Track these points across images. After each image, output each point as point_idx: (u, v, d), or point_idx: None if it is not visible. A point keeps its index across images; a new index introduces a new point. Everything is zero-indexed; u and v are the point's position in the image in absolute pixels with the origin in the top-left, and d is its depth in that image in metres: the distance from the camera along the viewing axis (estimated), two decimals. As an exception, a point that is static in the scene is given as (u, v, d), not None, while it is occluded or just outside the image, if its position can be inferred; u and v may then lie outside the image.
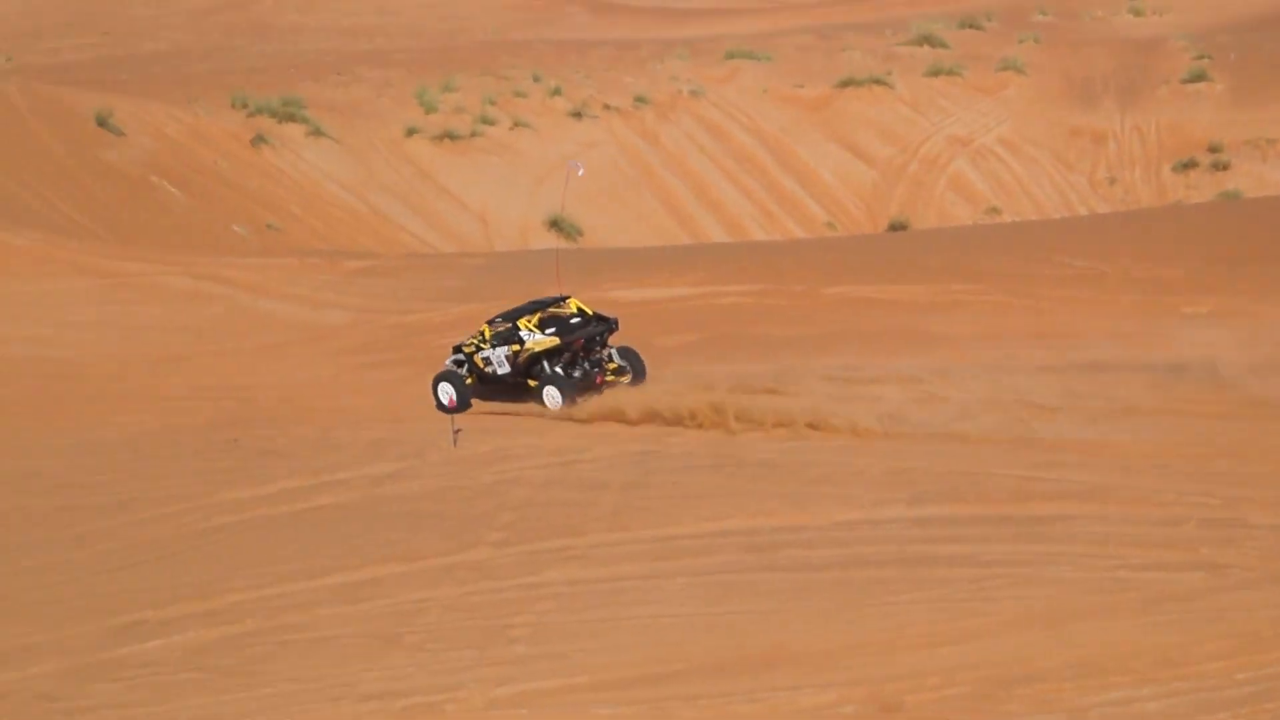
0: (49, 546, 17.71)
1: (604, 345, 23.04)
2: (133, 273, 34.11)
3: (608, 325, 23.02)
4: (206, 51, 73.15)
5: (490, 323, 23.07)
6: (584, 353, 22.73)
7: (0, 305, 31.80)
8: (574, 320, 22.81)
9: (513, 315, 23.00)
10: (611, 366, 22.90)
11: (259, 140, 52.84)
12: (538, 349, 22.38)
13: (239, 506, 18.61)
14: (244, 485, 19.46)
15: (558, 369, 22.43)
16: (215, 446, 21.90)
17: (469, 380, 22.85)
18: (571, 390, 22.17)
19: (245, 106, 54.73)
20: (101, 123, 50.85)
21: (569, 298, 23.29)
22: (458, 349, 23.13)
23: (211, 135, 52.83)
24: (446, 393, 22.77)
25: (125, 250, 37.42)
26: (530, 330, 22.55)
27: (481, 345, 22.78)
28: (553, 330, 22.52)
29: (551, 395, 22.25)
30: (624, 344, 23.26)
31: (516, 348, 22.51)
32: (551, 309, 22.98)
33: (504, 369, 22.66)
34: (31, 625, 15.09)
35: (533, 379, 22.52)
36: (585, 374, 22.57)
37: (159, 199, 47.76)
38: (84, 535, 17.97)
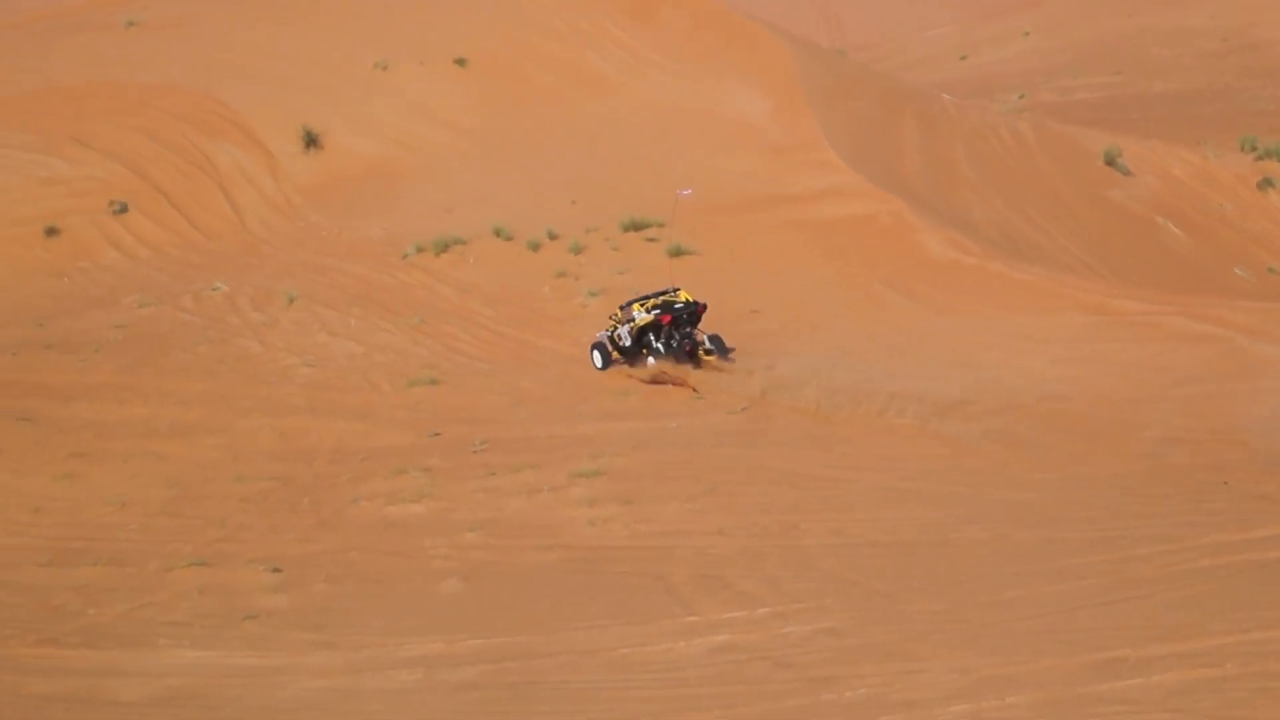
0: (1033, 578, 18.03)
1: (693, 325, 32.07)
2: (1131, 311, 34.20)
3: (695, 307, 32.16)
4: (1217, 92, 72.33)
5: (622, 306, 33.06)
6: (675, 328, 31.87)
7: (1001, 338, 33.00)
8: (676, 305, 32.21)
9: (630, 302, 32.89)
10: (704, 349, 31.59)
11: (1265, 184, 51.67)
12: (641, 324, 32.01)
13: (1225, 550, 18.10)
14: (1232, 529, 18.95)
15: (658, 344, 31.77)
16: (1204, 487, 21.48)
17: (613, 351, 32.65)
18: (661, 357, 31.65)
19: (1254, 149, 53.86)
20: (1109, 161, 51.63)
21: (680, 289, 33.01)
22: (609, 320, 33.13)
23: (1218, 177, 52.20)
24: (596, 358, 32.99)
25: (1125, 289, 37.67)
26: (640, 311, 32.24)
27: (617, 325, 32.69)
28: (656, 310, 32.00)
29: (649, 360, 31.85)
30: (714, 331, 32.07)
31: (632, 324, 32.14)
32: (665, 297, 32.59)
33: (627, 341, 32.42)
34: (1010, 655, 15.42)
35: (644, 348, 32.07)
36: (678, 343, 31.63)
37: (1162, 239, 47.73)
38: (1068, 569, 18.16)
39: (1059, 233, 46.29)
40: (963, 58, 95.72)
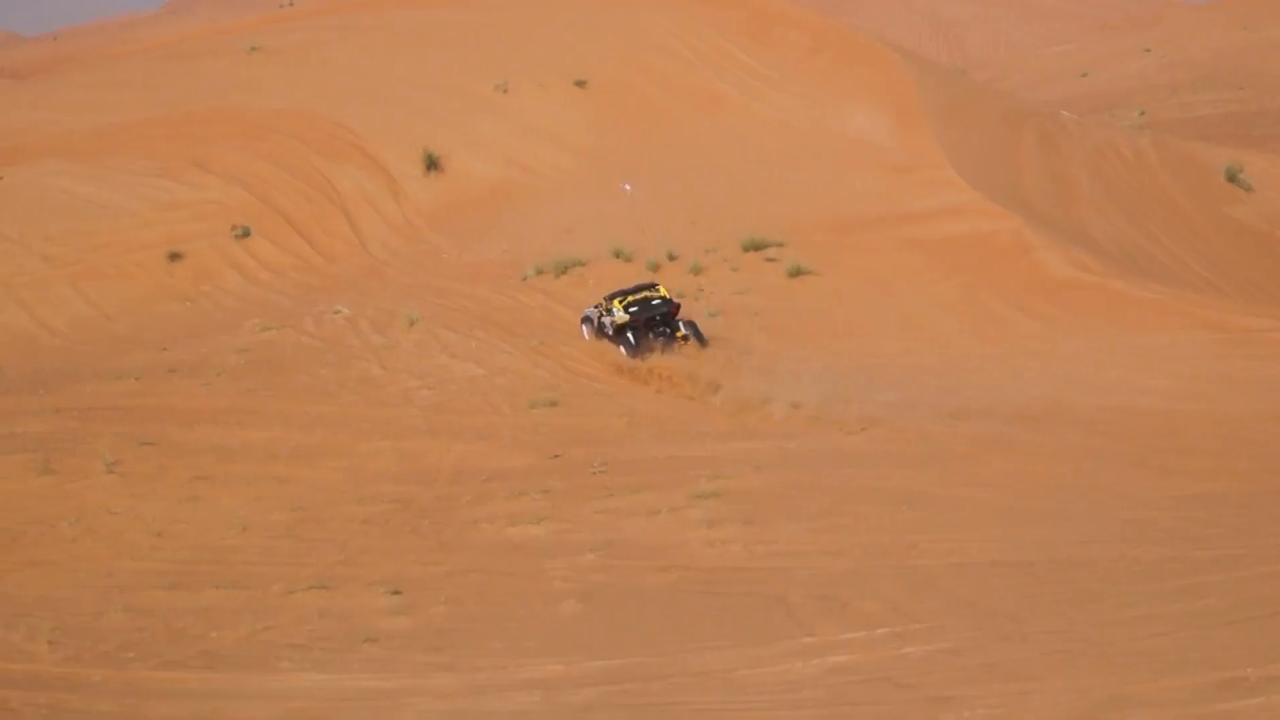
0: (1154, 598, 17.88)
1: (667, 322, 35.82)
2: (1254, 328, 33.84)
3: (668, 306, 36.00)
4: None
5: (606, 298, 36.92)
6: (650, 328, 35.80)
7: (1122, 356, 32.76)
8: (654, 303, 36.01)
9: (614, 296, 36.76)
10: (680, 335, 35.73)
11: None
12: (619, 322, 36.06)
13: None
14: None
15: (630, 336, 35.80)
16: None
17: (597, 329, 37.14)
18: (633, 350, 35.68)
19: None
20: (1231, 178, 51.14)
21: (658, 285, 37.14)
22: (596, 306, 37.25)
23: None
24: (585, 331, 37.70)
25: (1248, 306, 37.29)
26: (618, 309, 36.15)
27: (603, 312, 36.82)
28: (634, 310, 35.88)
29: (622, 351, 36.03)
30: (690, 318, 36.56)
31: (613, 319, 36.31)
32: (645, 292, 36.42)
33: (609, 330, 36.67)
34: (1130, 675, 15.32)
35: (621, 343, 36.14)
36: (653, 339, 35.58)
37: (1284, 256, 47.23)
38: (1189, 588, 17.98)
39: (1181, 249, 45.85)
40: (1083, 75, 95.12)
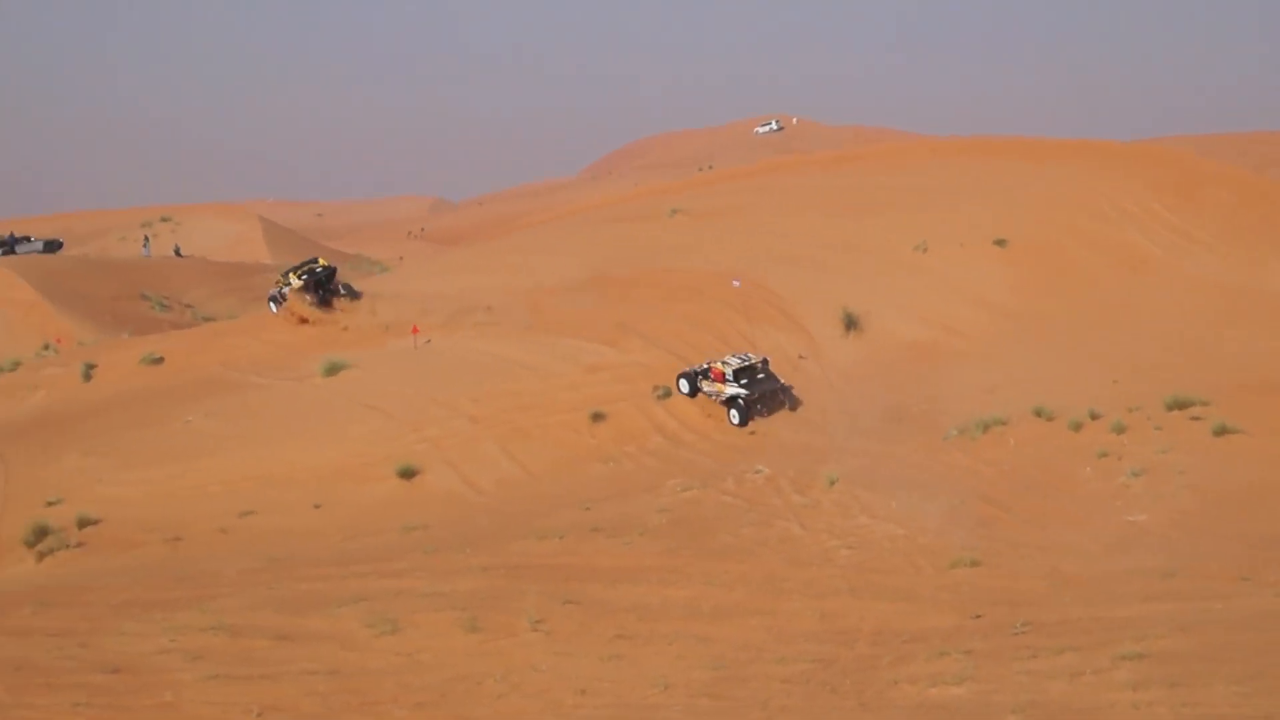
0: None
1: (328, 283, 59.85)
2: None
3: (330, 271, 60.44)
4: None
5: (282, 274, 61.85)
6: (319, 288, 59.33)
7: None
8: (317, 270, 59.65)
9: (289, 270, 60.94)
10: (343, 295, 59.65)
11: None
12: (296, 288, 59.17)
13: None
14: None
15: (317, 294, 59.56)
16: None
17: (282, 301, 61.17)
18: (320, 304, 59.41)
19: None
20: None
21: (319, 259, 61.68)
22: (275, 284, 62.07)
23: None
24: (272, 307, 60.99)
25: None
26: (294, 278, 59.55)
27: (282, 286, 60.28)
28: (305, 276, 59.25)
29: (308, 300, 60.02)
30: (348, 281, 64.41)
31: (290, 288, 59.70)
32: (309, 266, 60.02)
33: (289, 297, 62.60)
34: None
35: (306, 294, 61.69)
36: (324, 297, 59.42)
37: None
38: None
39: None
40: None
